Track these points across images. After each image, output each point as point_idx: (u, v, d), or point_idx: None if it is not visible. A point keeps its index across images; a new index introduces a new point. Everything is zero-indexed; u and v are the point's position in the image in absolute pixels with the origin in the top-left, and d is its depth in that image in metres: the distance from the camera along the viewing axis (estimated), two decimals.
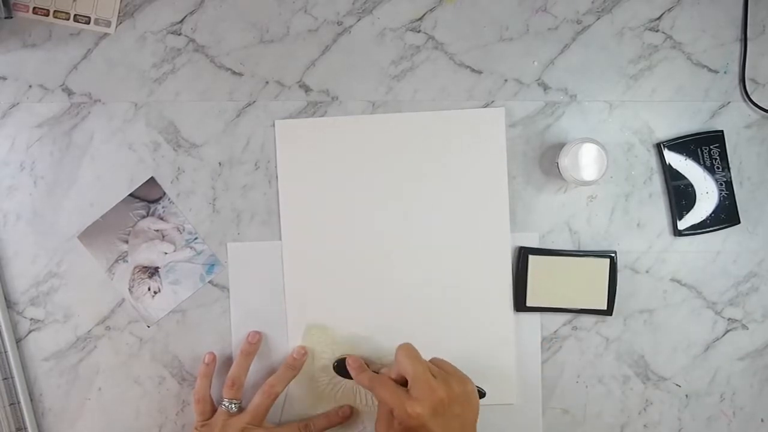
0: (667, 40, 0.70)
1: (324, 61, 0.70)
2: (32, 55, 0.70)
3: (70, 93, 0.70)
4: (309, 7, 0.70)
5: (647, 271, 0.70)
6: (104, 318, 0.71)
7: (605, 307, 0.69)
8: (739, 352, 0.71)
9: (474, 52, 0.70)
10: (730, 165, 0.70)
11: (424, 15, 0.70)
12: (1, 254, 0.70)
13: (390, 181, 0.70)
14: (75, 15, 0.69)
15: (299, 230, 0.70)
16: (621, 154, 0.70)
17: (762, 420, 0.71)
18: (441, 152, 0.70)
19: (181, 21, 0.70)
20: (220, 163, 0.70)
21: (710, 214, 0.69)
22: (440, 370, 0.60)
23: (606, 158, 0.64)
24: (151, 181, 0.70)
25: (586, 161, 0.64)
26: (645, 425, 0.71)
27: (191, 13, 0.70)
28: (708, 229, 0.70)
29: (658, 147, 0.70)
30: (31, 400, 0.70)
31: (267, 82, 0.70)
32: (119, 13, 0.70)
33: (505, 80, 0.70)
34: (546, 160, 0.70)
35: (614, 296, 0.69)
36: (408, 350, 0.61)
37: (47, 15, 0.69)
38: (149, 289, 0.70)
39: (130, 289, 0.70)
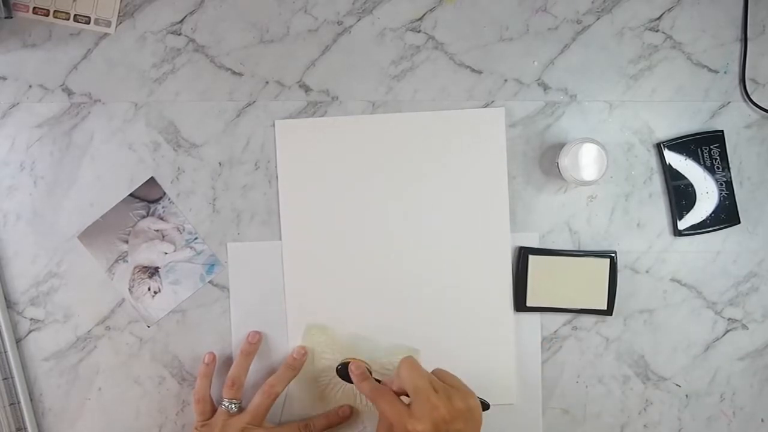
0: (667, 40, 0.70)
1: (324, 61, 0.70)
2: (32, 55, 0.70)
3: (70, 93, 0.70)
4: (309, 7, 0.70)
5: (647, 271, 0.70)
6: (104, 318, 0.71)
7: (605, 307, 0.69)
8: (739, 352, 0.71)
9: (474, 52, 0.70)
10: (730, 165, 0.70)
11: (424, 15, 0.70)
12: (1, 254, 0.70)
13: (390, 181, 0.70)
14: (75, 15, 0.69)
15: (299, 230, 0.70)
16: (621, 154, 0.70)
17: (762, 420, 0.71)
18: (441, 152, 0.70)
19: (181, 21, 0.70)
20: (220, 163, 0.70)
21: (710, 214, 0.69)
22: (443, 383, 0.59)
23: (606, 158, 0.64)
24: (151, 181, 0.70)
25: (586, 161, 0.64)
26: (645, 425, 0.71)
27: (191, 13, 0.70)
28: (708, 229, 0.70)
29: (658, 147, 0.70)
30: (31, 400, 0.70)
31: (267, 82, 0.70)
32: (119, 13, 0.70)
33: (505, 80, 0.70)
34: (546, 160, 0.70)
35: (614, 296, 0.69)
36: (410, 364, 0.60)
37: (47, 15, 0.69)
38: (149, 289, 0.70)
39: (130, 289, 0.70)
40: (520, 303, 0.70)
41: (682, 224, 0.69)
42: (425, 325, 0.70)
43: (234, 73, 0.70)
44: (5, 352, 0.69)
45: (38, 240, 0.70)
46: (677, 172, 0.69)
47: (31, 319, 0.70)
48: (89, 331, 0.70)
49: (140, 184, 0.70)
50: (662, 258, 0.70)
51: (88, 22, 0.69)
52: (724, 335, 0.71)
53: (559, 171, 0.67)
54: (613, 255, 0.69)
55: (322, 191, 0.70)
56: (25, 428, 0.70)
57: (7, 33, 0.69)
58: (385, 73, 0.70)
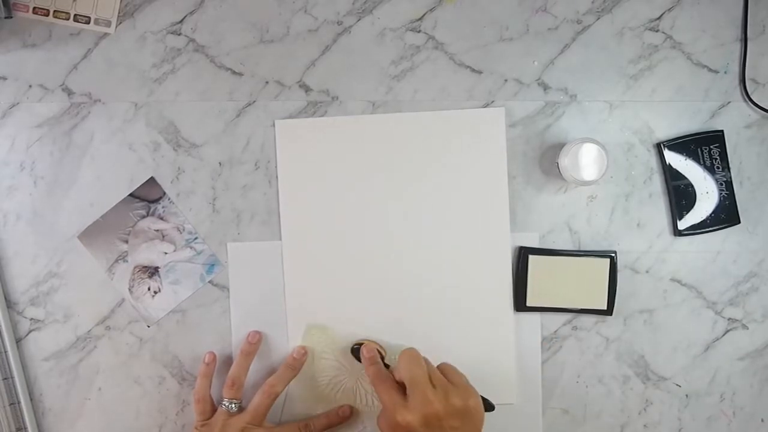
0: (667, 40, 0.70)
1: (324, 61, 0.70)
2: (32, 55, 0.70)
3: (70, 93, 0.70)
4: (309, 7, 0.70)
5: (647, 271, 0.70)
6: (104, 318, 0.71)
7: (605, 307, 0.69)
8: (739, 352, 0.71)
9: (474, 52, 0.70)
10: (730, 165, 0.70)
11: (424, 15, 0.70)
12: (1, 254, 0.70)
13: (390, 181, 0.70)
14: (75, 15, 0.69)
15: (299, 230, 0.70)
16: (621, 154, 0.70)
17: (762, 420, 0.71)
18: (441, 152, 0.70)
19: (181, 21, 0.70)
20: (220, 163, 0.70)
21: (710, 214, 0.69)
22: (444, 379, 0.59)
23: (606, 158, 0.64)
24: (151, 181, 0.70)
25: (586, 161, 0.64)
26: (645, 425, 0.71)
27: (191, 13, 0.70)
28: (708, 229, 0.70)
29: (658, 147, 0.70)
30: (31, 400, 0.70)
31: (267, 82, 0.70)
32: (119, 13, 0.70)
33: (505, 80, 0.70)
34: (546, 160, 0.70)
35: (614, 296, 0.69)
36: (410, 356, 0.60)
37: (47, 15, 0.69)
38: (149, 289, 0.70)
39: (130, 289, 0.70)
40: (520, 303, 0.70)
41: (682, 224, 0.69)
42: (425, 325, 0.70)
43: (234, 73, 0.70)
44: (5, 352, 0.69)
45: (38, 240, 0.70)
46: (677, 172, 0.69)
47: (31, 319, 0.70)
48: (89, 331, 0.71)
49: (140, 184, 0.70)
50: (662, 258, 0.70)
51: (88, 22, 0.69)
52: (724, 335, 0.71)
53: (559, 171, 0.67)
54: (613, 255, 0.69)
55: (322, 191, 0.70)
56: (25, 428, 0.70)
57: (7, 33, 0.69)
58: (385, 73, 0.70)
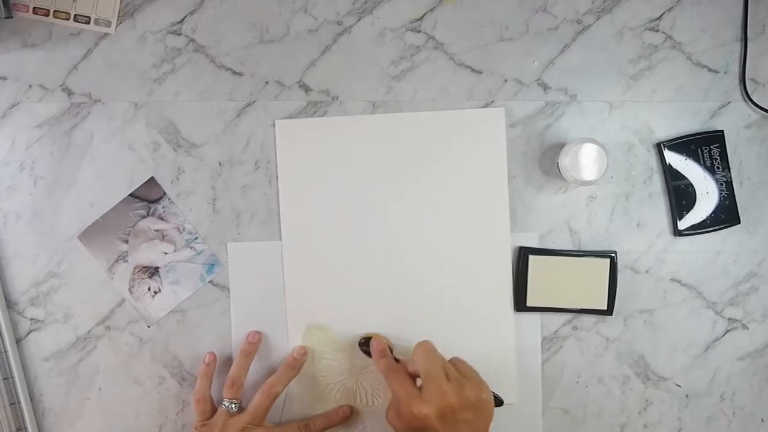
0: (667, 40, 0.70)
1: (324, 61, 0.70)
2: (32, 55, 0.70)
3: (70, 93, 0.70)
4: (309, 7, 0.70)
5: (647, 271, 0.70)
6: (104, 318, 0.71)
7: (605, 307, 0.69)
8: (739, 352, 0.71)
9: (474, 52, 0.70)
10: (730, 165, 0.70)
11: (424, 15, 0.70)
12: (1, 254, 0.70)
13: (390, 181, 0.70)
14: (75, 15, 0.69)
15: (299, 230, 0.70)
16: (621, 154, 0.70)
17: (762, 420, 0.71)
18: (441, 152, 0.70)
19: (181, 21, 0.70)
20: (220, 163, 0.70)
21: (710, 214, 0.69)
22: (457, 372, 0.59)
23: (606, 158, 0.64)
24: (151, 181, 0.70)
25: (586, 161, 0.64)
26: (645, 425, 0.71)
27: (191, 13, 0.70)
28: (708, 229, 0.70)
29: (658, 147, 0.70)
30: (31, 400, 0.70)
31: (267, 82, 0.70)
32: (119, 13, 0.70)
33: (505, 80, 0.70)
34: (546, 160, 0.70)
35: (614, 296, 0.69)
36: (427, 348, 0.60)
37: (47, 15, 0.69)
38: (149, 289, 0.70)
39: (130, 289, 0.70)
40: (520, 303, 0.70)
41: (682, 224, 0.69)
42: (425, 325, 0.70)
43: (234, 73, 0.70)
44: (5, 352, 0.69)
45: (38, 240, 0.70)
46: (677, 172, 0.69)
47: (31, 319, 0.70)
48: (89, 331, 0.71)
49: (140, 184, 0.70)
50: (662, 258, 0.70)
51: (88, 22, 0.69)
52: (724, 335, 0.71)
53: (559, 171, 0.67)
54: (613, 255, 0.69)
55: (322, 191, 0.70)
56: (25, 428, 0.70)
57: (7, 33, 0.69)
58: (385, 73, 0.70)
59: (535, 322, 0.70)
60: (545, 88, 0.70)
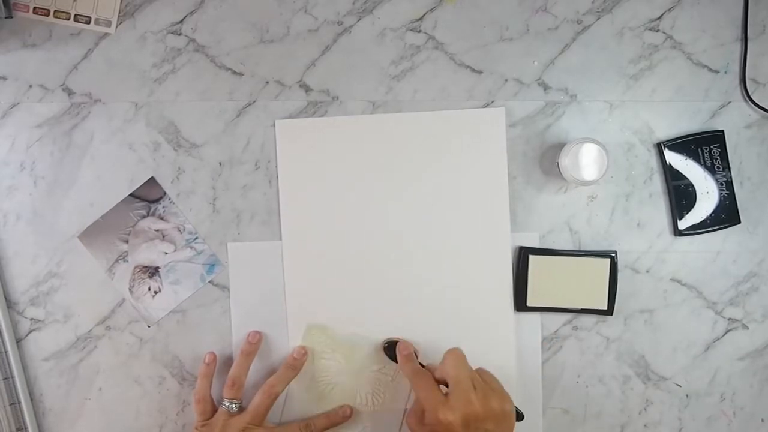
0: (667, 40, 0.70)
1: (324, 61, 0.70)
2: (32, 55, 0.70)
3: (70, 93, 0.70)
4: (309, 7, 0.70)
5: (647, 271, 0.70)
6: (104, 318, 0.71)
7: (605, 307, 0.69)
8: (739, 352, 0.71)
9: (474, 52, 0.70)
10: (731, 165, 0.70)
11: (424, 15, 0.70)
12: (1, 254, 0.70)
13: (390, 181, 0.70)
14: (75, 15, 0.69)
15: (299, 230, 0.70)
16: (621, 154, 0.70)
17: (762, 420, 0.71)
18: (441, 152, 0.70)
19: (181, 21, 0.70)
20: (220, 163, 0.70)
21: (710, 214, 0.69)
22: (483, 382, 0.60)
23: (606, 158, 0.64)
24: (152, 181, 0.70)
25: (586, 161, 0.64)
26: (645, 425, 0.71)
27: (191, 13, 0.70)
28: (708, 229, 0.70)
29: (659, 147, 0.70)
30: (32, 400, 0.70)
31: (267, 82, 0.70)
32: (119, 13, 0.70)
33: (505, 80, 0.70)
34: (546, 160, 0.70)
35: (614, 296, 0.69)
36: (457, 356, 0.60)
37: (47, 15, 0.69)
38: (149, 289, 0.70)
39: (130, 289, 0.70)
40: (520, 303, 0.70)
41: (683, 224, 0.69)
42: (425, 325, 0.70)
43: (234, 73, 0.70)
44: (5, 352, 0.69)
45: (38, 240, 0.70)
46: (677, 172, 0.69)
47: (31, 319, 0.70)
48: (89, 331, 0.70)
49: (140, 184, 0.70)
50: (662, 258, 0.70)
51: (88, 22, 0.69)
52: (724, 335, 0.71)
53: (560, 171, 0.67)
54: (613, 255, 0.69)
55: (322, 191, 0.70)
56: (26, 428, 0.70)
57: (7, 33, 0.69)
58: (385, 73, 0.70)
59: (535, 322, 0.70)
60: (545, 88, 0.70)
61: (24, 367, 0.70)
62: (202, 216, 0.70)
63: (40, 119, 0.70)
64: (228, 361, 0.70)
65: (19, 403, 0.69)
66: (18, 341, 0.70)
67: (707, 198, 0.69)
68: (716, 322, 0.71)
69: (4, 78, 0.70)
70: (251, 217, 0.70)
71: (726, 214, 0.69)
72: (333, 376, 0.70)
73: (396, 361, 0.67)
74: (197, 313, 0.71)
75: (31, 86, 0.70)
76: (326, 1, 0.70)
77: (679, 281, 0.70)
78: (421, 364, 0.65)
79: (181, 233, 0.70)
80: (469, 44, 0.70)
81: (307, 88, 0.70)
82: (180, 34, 0.70)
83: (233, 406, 0.67)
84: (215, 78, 0.70)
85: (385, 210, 0.70)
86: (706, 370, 0.71)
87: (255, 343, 0.69)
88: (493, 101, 0.70)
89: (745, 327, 0.71)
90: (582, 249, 0.70)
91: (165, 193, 0.70)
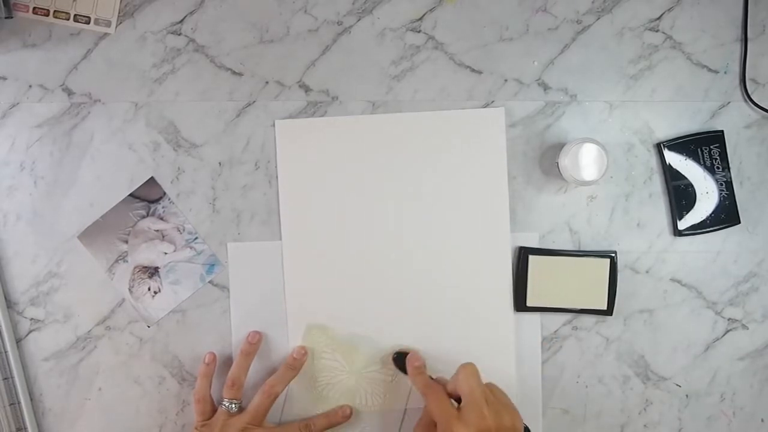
0: (667, 40, 0.70)
1: (324, 61, 0.70)
2: (32, 55, 0.70)
3: (70, 93, 0.70)
4: (309, 7, 0.70)
5: (647, 271, 0.70)
6: (104, 318, 0.71)
7: (605, 307, 0.69)
8: (739, 352, 0.71)
9: (474, 52, 0.70)
10: (730, 165, 0.70)
11: (424, 15, 0.70)
12: (1, 254, 0.70)
13: (390, 181, 0.70)
14: (75, 15, 0.69)
15: (299, 230, 0.70)
16: (621, 154, 0.70)
17: (762, 420, 0.71)
18: (441, 152, 0.70)
19: (181, 21, 0.70)
20: (220, 163, 0.70)
21: (710, 214, 0.69)
22: (494, 398, 0.60)
23: (606, 158, 0.64)
24: (151, 181, 0.70)
25: (586, 161, 0.64)
26: (645, 425, 0.71)
27: (191, 13, 0.70)
28: (708, 229, 0.70)
29: (658, 147, 0.70)
30: (31, 400, 0.70)
31: (267, 82, 0.70)
32: (119, 13, 0.70)
33: (505, 80, 0.70)
34: (546, 160, 0.70)
35: (614, 296, 0.69)
36: (472, 371, 0.60)
37: (47, 15, 0.69)
38: (149, 289, 0.70)
39: (130, 289, 0.70)
40: (520, 303, 0.70)
41: (682, 224, 0.69)
42: (425, 325, 0.70)
43: (234, 73, 0.70)
44: (5, 352, 0.69)
45: (38, 240, 0.70)
46: (677, 172, 0.69)
47: (31, 319, 0.70)
48: (89, 331, 0.70)
49: (140, 184, 0.70)
50: (662, 258, 0.70)
51: (88, 22, 0.69)
52: (724, 335, 0.71)
53: (559, 171, 0.67)
54: (613, 255, 0.69)
55: (322, 191, 0.70)
56: (25, 428, 0.70)
57: (7, 33, 0.69)
58: (385, 73, 0.70)
59: (535, 322, 0.70)
60: (545, 88, 0.70)
61: (24, 367, 0.70)
62: (202, 216, 0.70)
63: (40, 119, 0.70)
64: (228, 361, 0.70)
65: (19, 403, 0.69)
66: (18, 341, 0.70)
67: (707, 198, 0.69)
68: (716, 322, 0.71)
69: (4, 78, 0.70)
70: (251, 217, 0.70)
71: (726, 214, 0.69)
72: (333, 376, 0.70)
73: (405, 372, 0.67)
74: (197, 313, 0.71)
75: (31, 86, 0.70)
76: (326, 1, 0.70)
77: (679, 281, 0.70)
78: (429, 376, 0.65)
79: (181, 233, 0.70)
80: (469, 44, 0.70)
81: (307, 88, 0.70)
82: (180, 34, 0.70)
83: (233, 406, 0.67)
84: (215, 78, 0.70)
85: (385, 210, 0.70)
86: (706, 370, 0.71)
87: (255, 343, 0.69)
88: (493, 101, 0.70)
89: (745, 327, 0.71)
90: (582, 249, 0.70)
91: (165, 193, 0.70)
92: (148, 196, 0.70)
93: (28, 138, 0.70)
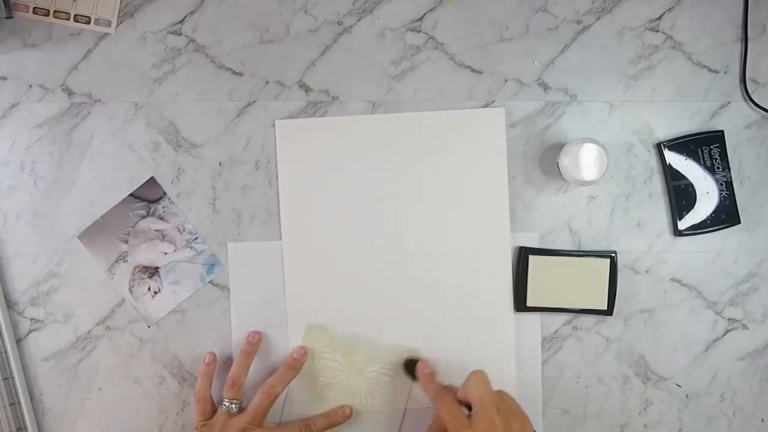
0: (667, 40, 0.70)
1: (324, 61, 0.70)
2: (32, 55, 0.70)
3: (70, 93, 0.70)
4: (309, 7, 0.70)
5: (647, 271, 0.70)
6: (104, 318, 0.71)
7: (605, 307, 0.69)
8: (739, 352, 0.71)
9: (474, 52, 0.70)
10: (730, 165, 0.70)
11: (424, 15, 0.70)
12: (1, 254, 0.70)
13: (390, 181, 0.70)
14: (75, 15, 0.69)
15: (299, 230, 0.70)
16: (621, 154, 0.70)
17: (762, 420, 0.71)
18: (441, 152, 0.70)
19: (181, 21, 0.70)
20: (220, 163, 0.70)
21: (710, 214, 0.69)
22: (505, 405, 0.60)
23: (606, 158, 0.64)
24: (151, 181, 0.70)
25: (586, 161, 0.64)
26: (645, 425, 0.71)
27: (191, 13, 0.70)
28: (708, 229, 0.70)
29: (659, 147, 0.70)
30: (32, 400, 0.70)
31: (267, 82, 0.70)
32: (119, 13, 0.70)
33: (505, 80, 0.70)
34: (546, 160, 0.70)
35: (614, 296, 0.69)
36: (482, 378, 0.60)
37: (47, 15, 0.69)
38: (149, 289, 0.70)
39: (130, 289, 0.70)
40: (520, 303, 0.70)
41: (682, 224, 0.69)
42: (425, 325, 0.70)
43: (234, 73, 0.70)
44: (5, 352, 0.69)
45: (38, 240, 0.70)
46: (677, 172, 0.69)
47: (31, 319, 0.70)
48: (89, 331, 0.70)
49: (140, 184, 0.70)
50: (662, 258, 0.70)
51: (88, 22, 0.69)
52: (724, 335, 0.71)
53: (559, 171, 0.67)
54: (613, 255, 0.69)
55: (322, 191, 0.70)
56: (25, 428, 0.70)
57: (7, 33, 0.69)
58: (385, 73, 0.70)
59: (535, 322, 0.70)
60: (545, 88, 0.70)
61: (24, 367, 0.70)
62: (202, 216, 0.70)
63: (40, 119, 0.70)
64: (228, 361, 0.70)
65: (19, 403, 0.69)
66: (18, 341, 0.70)
67: (707, 198, 0.69)
68: (716, 322, 0.71)
69: (4, 78, 0.70)
70: (251, 217, 0.70)
71: (726, 214, 0.69)
72: (333, 376, 0.70)
73: (414, 379, 0.67)
74: (197, 313, 0.71)
75: (31, 86, 0.70)
76: (326, 1, 0.70)
77: (679, 281, 0.70)
78: (440, 384, 0.66)
79: (181, 233, 0.70)
80: (469, 44, 0.70)
81: (307, 88, 0.70)
82: (180, 34, 0.70)
83: (233, 406, 0.67)
84: (215, 78, 0.70)
85: (385, 210, 0.70)
86: (706, 370, 0.71)
87: (255, 343, 0.69)
88: (493, 101, 0.70)
89: (745, 327, 0.71)
90: (582, 249, 0.70)
91: (165, 193, 0.70)
92: (148, 196, 0.70)
93: (28, 138, 0.70)
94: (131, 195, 0.70)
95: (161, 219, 0.70)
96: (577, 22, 0.70)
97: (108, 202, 0.70)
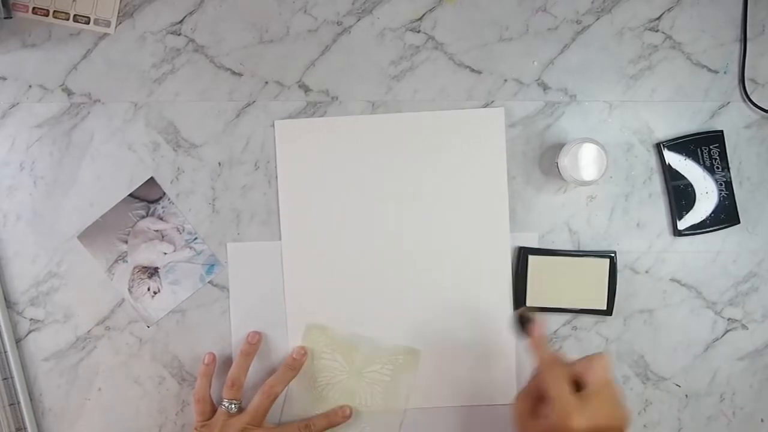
0: (667, 40, 0.70)
1: (324, 61, 0.70)
2: (32, 55, 0.70)
3: (69, 93, 0.70)
4: (309, 7, 0.70)
5: (647, 271, 0.70)
6: (104, 318, 0.71)
7: (605, 307, 0.69)
8: (739, 352, 0.71)
9: (474, 52, 0.70)
10: (730, 165, 0.70)
11: (424, 15, 0.70)
12: (1, 254, 0.70)
13: (390, 181, 0.70)
14: (75, 15, 0.69)
15: (299, 230, 0.70)
16: (621, 154, 0.70)
17: (762, 420, 0.71)
18: (441, 152, 0.70)
19: (181, 21, 0.70)
20: (219, 163, 0.70)
21: (710, 214, 0.69)
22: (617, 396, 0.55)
23: (606, 158, 0.64)
24: (151, 181, 0.70)
25: (585, 161, 0.64)
26: (645, 425, 0.71)
27: (191, 13, 0.70)
28: (708, 229, 0.70)
29: (658, 147, 0.70)
30: (31, 400, 0.70)
31: (267, 82, 0.70)
32: (119, 13, 0.70)
33: (505, 80, 0.70)
34: (546, 160, 0.70)
35: (614, 296, 0.69)
36: (608, 365, 0.55)
37: (47, 15, 0.69)
38: (149, 289, 0.70)
39: (129, 289, 0.70)
40: (520, 303, 0.69)
41: (682, 224, 0.69)
42: (425, 325, 0.70)
43: (234, 73, 0.70)
44: (5, 352, 0.69)
45: (38, 240, 0.70)
46: (677, 172, 0.69)
47: (31, 319, 0.70)
48: (89, 331, 0.70)
49: (140, 184, 0.70)
50: (662, 258, 0.70)
51: (87, 22, 0.69)
52: (724, 335, 0.71)
53: (559, 171, 0.67)
54: (612, 255, 0.69)
55: (321, 191, 0.70)
56: (25, 428, 0.70)
57: (7, 33, 0.69)
58: (385, 73, 0.70)
59: None
60: (545, 88, 0.70)
61: (24, 367, 0.70)
62: (201, 216, 0.70)
63: (39, 119, 0.70)
64: (228, 362, 0.70)
65: (19, 403, 0.69)
66: (18, 341, 0.70)
67: (707, 198, 0.69)
68: (716, 322, 0.71)
69: (4, 78, 0.70)
70: (251, 217, 0.70)
71: (725, 214, 0.69)
72: (333, 376, 0.70)
73: (524, 334, 0.60)
74: (197, 313, 0.71)
75: (30, 86, 0.70)
76: (326, 1, 0.70)
77: (678, 281, 0.70)
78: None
79: (181, 233, 0.70)
80: (469, 44, 0.70)
81: (306, 89, 0.70)
82: (179, 35, 0.70)
83: (233, 406, 0.67)
84: (215, 78, 0.70)
85: (385, 210, 0.70)
86: (705, 370, 0.71)
87: (254, 343, 0.69)
88: (492, 101, 0.70)
89: (744, 327, 0.71)
90: (581, 249, 0.70)
91: (164, 194, 0.70)
92: (147, 196, 0.70)
93: (28, 138, 0.70)
94: (131, 195, 0.70)
95: (161, 219, 0.70)
96: (576, 22, 0.70)
97: (108, 202, 0.70)
